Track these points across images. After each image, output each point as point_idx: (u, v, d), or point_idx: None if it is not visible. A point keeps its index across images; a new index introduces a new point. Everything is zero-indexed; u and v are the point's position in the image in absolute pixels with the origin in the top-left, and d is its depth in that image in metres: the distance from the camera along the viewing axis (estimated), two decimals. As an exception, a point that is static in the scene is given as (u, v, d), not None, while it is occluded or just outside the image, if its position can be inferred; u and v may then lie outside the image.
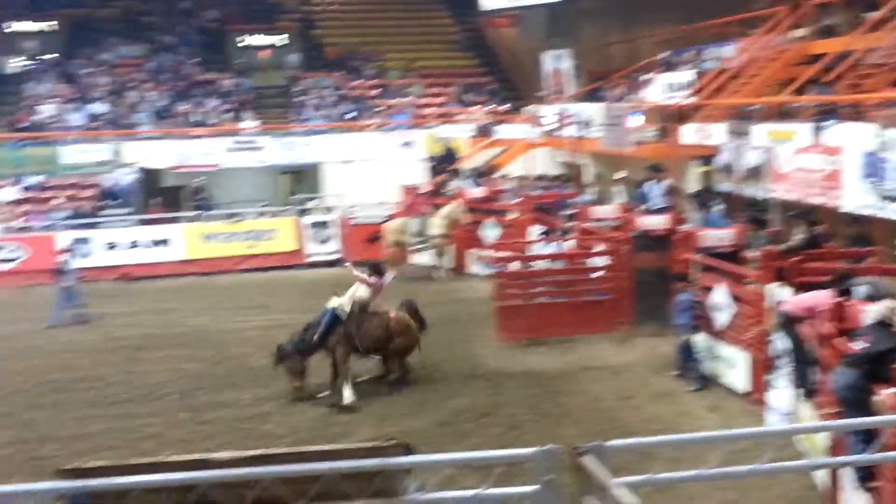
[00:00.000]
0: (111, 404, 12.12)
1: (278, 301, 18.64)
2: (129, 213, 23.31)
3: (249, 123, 26.19)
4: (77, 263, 18.90)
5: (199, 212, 23.47)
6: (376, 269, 13.07)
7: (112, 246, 21.95)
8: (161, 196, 24.51)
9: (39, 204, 23.53)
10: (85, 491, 3.67)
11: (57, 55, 28.73)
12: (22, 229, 22.47)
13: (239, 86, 28.04)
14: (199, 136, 25.30)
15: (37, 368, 13.99)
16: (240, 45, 30.47)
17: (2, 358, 14.70)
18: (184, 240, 22.61)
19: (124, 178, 24.10)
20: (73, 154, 24.41)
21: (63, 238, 21.34)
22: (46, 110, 25.96)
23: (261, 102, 28.12)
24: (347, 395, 11.97)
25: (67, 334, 16.25)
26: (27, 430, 11.16)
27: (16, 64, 28.86)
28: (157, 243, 22.31)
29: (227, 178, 25.01)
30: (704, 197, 15.56)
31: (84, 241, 21.86)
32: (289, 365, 12.25)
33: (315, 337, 12.23)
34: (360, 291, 12.61)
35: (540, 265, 15.74)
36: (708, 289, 12.80)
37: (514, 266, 15.79)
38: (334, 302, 12.53)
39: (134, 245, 22.25)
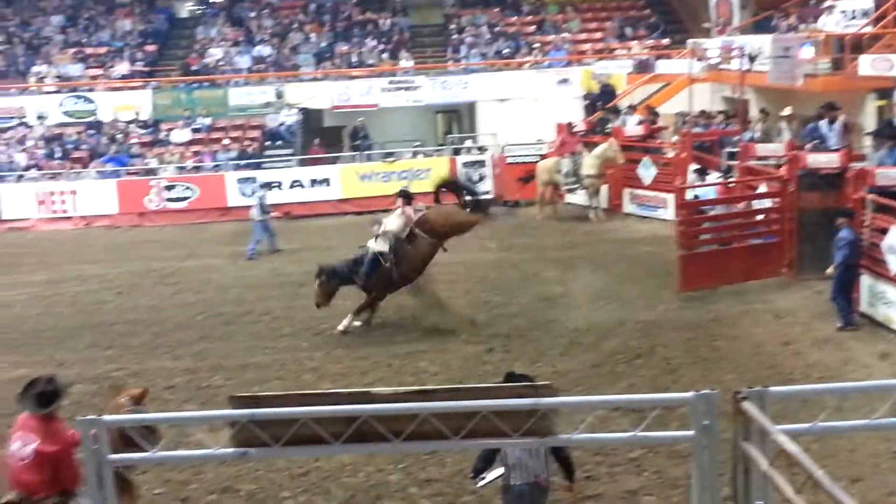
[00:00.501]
0: (275, 338, 12.67)
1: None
2: (291, 154, 24.12)
3: (406, 63, 26.42)
4: (252, 201, 19.80)
5: (358, 151, 24.01)
6: (406, 196, 13.45)
7: (275, 185, 22.70)
8: (321, 136, 25.18)
9: (208, 145, 24.68)
10: (255, 419, 3.87)
11: (224, 0, 29.74)
12: (193, 169, 23.68)
13: (396, 25, 28.25)
14: (357, 77, 25.75)
15: (208, 302, 14.77)
16: (398, -17, 30.61)
17: (176, 291, 15.62)
18: (341, 179, 23.20)
19: (287, 119, 24.92)
20: (240, 96, 25.41)
21: (232, 177, 22.44)
22: (215, 53, 27.02)
23: (417, 41, 28.26)
24: (347, 322, 12.61)
25: (236, 269, 17.08)
26: (199, 361, 11.82)
27: (188, 8, 30.12)
28: (316, 183, 22.97)
29: (383, 118, 25.40)
30: (887, 133, 14.57)
31: (249, 180, 22.82)
32: (324, 284, 12.71)
33: (361, 276, 12.64)
34: (390, 224, 12.90)
35: (719, 209, 15.12)
36: (883, 230, 12.09)
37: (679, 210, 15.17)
38: (373, 245, 12.81)
39: (295, 184, 22.98)
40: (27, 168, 23.71)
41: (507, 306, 13.59)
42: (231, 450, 3.98)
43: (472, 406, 4.18)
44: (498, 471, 6.41)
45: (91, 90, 25.77)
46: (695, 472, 4.16)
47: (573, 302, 13.55)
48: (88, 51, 27.43)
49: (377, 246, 12.71)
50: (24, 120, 25.06)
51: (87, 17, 28.71)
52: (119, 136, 24.63)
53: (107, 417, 3.87)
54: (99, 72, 26.71)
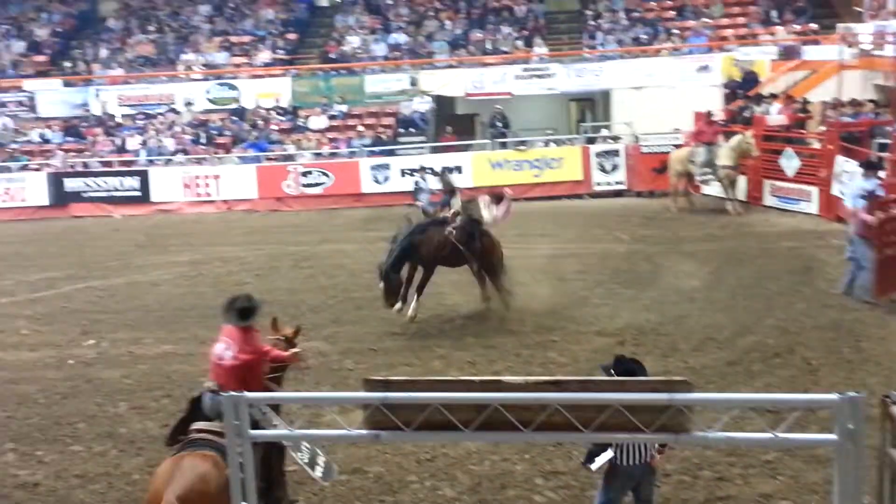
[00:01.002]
0: (405, 324, 12.78)
1: (564, 230, 18.77)
2: (424, 141, 24.36)
3: (540, 50, 26.24)
4: (382, 188, 20.04)
5: (494, 139, 24.04)
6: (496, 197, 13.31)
7: (407, 172, 22.89)
8: (453, 124, 25.31)
9: (344, 131, 25.19)
10: (388, 402, 3.92)
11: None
12: (328, 156, 24.24)
13: (531, 12, 28.08)
14: (491, 64, 25.75)
15: (340, 286, 15.08)
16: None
17: (310, 275, 16.02)
18: (473, 167, 23.25)
19: (420, 106, 25.17)
20: (376, 83, 25.84)
21: (366, 164, 22.82)
22: (353, 41, 27.54)
23: (553, 28, 28.01)
24: (413, 307, 12.48)
25: (369, 255, 17.33)
26: (331, 343, 12.03)
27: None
28: (448, 170, 22.99)
29: (515, 106, 25.30)
30: None
31: (383, 167, 23.20)
32: (388, 283, 12.49)
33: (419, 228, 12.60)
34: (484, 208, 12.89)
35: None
36: None
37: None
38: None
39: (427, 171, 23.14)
40: (175, 153, 24.82)
41: (638, 299, 13.34)
42: (364, 432, 4.06)
43: (604, 399, 4.12)
44: (608, 453, 6.33)
45: (235, 77, 26.73)
46: (836, 478, 3.98)
47: (708, 296, 13.19)
48: (233, 39, 28.43)
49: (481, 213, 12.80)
50: (172, 106, 26.24)
51: (233, 7, 29.75)
52: (260, 123, 25.46)
53: (248, 395, 4.01)
54: (243, 60, 27.65)
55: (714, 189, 20.17)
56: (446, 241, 12.66)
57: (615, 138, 23.47)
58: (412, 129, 24.96)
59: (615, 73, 24.54)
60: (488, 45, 26.79)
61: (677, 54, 24.99)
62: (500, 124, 24.35)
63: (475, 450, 8.44)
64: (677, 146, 21.13)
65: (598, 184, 22.81)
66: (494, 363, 10.99)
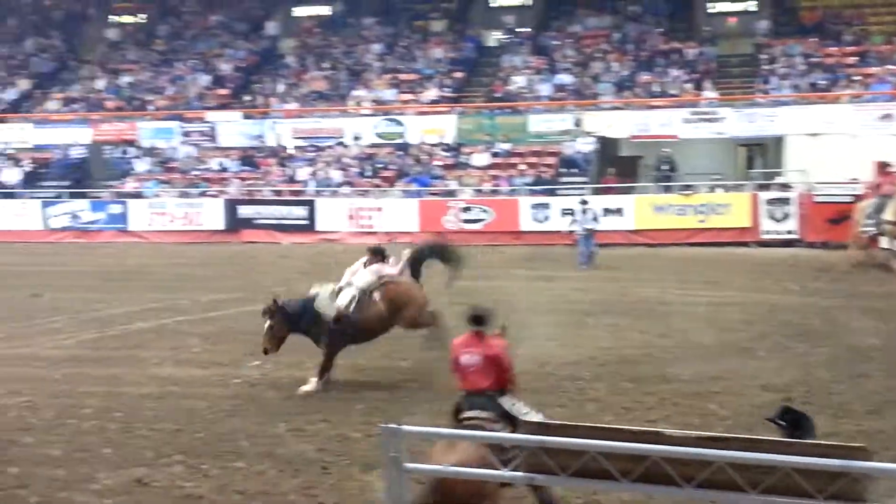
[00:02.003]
0: (560, 364, 12.61)
1: (729, 277, 18.15)
2: (586, 182, 24.19)
3: (709, 94, 25.67)
4: (542, 227, 20.08)
5: (658, 183, 23.66)
6: (378, 253, 12.13)
7: (567, 212, 22.68)
8: (616, 165, 25.04)
9: (506, 169, 25.36)
10: (546, 446, 3.84)
11: (530, 29, 30.53)
12: (490, 192, 24.44)
13: (703, 55, 27.54)
14: (657, 107, 25.37)
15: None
16: (708, 11, 29.86)
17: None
18: (635, 210, 22.88)
19: (583, 147, 25.06)
20: (539, 123, 25.95)
21: (526, 202, 22.86)
22: (518, 81, 27.79)
23: (724, 72, 27.38)
24: (312, 384, 11.32)
25: (526, 294, 17.28)
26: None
27: (496, 37, 31.26)
28: (609, 212, 22.76)
29: (679, 149, 24.82)
30: None
31: (544, 206, 23.18)
32: (274, 326, 11.40)
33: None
34: (360, 280, 11.72)
35: None
36: None
37: None
38: (324, 293, 11.57)
39: (587, 212, 22.97)
40: (341, 185, 25.67)
41: (809, 355, 12.64)
42: (519, 473, 3.99)
43: (774, 460, 3.90)
44: None
45: (402, 114, 27.46)
46: None
47: (889, 357, 12.36)
48: (402, 77, 29.27)
49: (340, 300, 11.59)
50: (341, 140, 27.20)
51: (404, 46, 30.65)
52: (424, 158, 26.00)
53: (406, 427, 4.02)
54: (410, 97, 28.39)
55: (886, 243, 19.03)
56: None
57: (787, 186, 22.60)
58: (574, 170, 24.86)
59: (790, 118, 23.70)
60: (655, 88, 26.43)
61: (858, 101, 23.88)
62: (666, 167, 23.92)
63: (629, 498, 8.16)
64: (859, 197, 20.10)
65: (767, 232, 21.99)
66: (651, 411, 10.62)
